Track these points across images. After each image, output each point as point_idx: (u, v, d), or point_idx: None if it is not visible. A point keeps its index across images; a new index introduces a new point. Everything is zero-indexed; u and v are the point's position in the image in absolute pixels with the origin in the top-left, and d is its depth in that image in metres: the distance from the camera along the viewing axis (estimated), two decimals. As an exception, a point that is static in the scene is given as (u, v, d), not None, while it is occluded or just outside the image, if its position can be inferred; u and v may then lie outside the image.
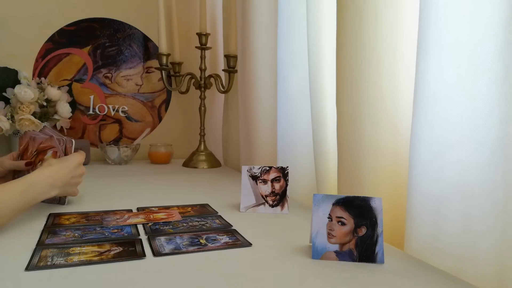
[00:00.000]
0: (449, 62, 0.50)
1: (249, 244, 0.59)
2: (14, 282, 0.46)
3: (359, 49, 0.65)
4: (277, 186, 0.78)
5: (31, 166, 0.83)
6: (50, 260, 0.51)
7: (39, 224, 0.67)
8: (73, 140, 0.82)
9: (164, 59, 1.37)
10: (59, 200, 0.82)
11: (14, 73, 1.29)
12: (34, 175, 0.69)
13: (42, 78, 1.34)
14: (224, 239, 0.61)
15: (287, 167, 0.78)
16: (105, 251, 0.55)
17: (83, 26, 1.44)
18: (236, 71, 1.31)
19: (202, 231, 0.65)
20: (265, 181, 0.78)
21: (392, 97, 0.64)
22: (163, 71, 1.40)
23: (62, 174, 0.74)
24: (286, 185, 0.78)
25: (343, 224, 0.54)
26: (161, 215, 0.73)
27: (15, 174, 0.85)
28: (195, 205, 0.82)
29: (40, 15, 1.38)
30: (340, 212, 0.54)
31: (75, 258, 0.52)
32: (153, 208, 0.78)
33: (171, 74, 1.49)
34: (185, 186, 1.06)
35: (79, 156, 0.79)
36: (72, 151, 0.81)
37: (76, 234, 0.62)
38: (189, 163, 1.39)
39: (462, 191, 0.50)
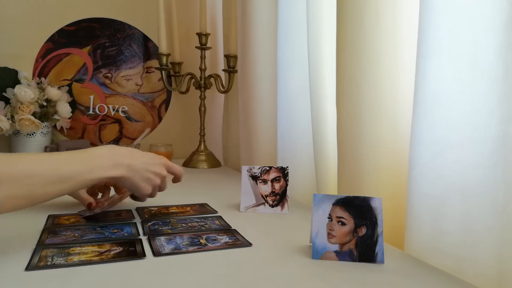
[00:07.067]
0: (449, 62, 0.50)
1: (249, 244, 0.59)
2: (14, 282, 0.46)
3: (359, 49, 0.65)
4: (277, 186, 0.78)
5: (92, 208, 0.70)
6: (50, 260, 0.51)
7: (39, 224, 0.67)
8: None
9: (164, 59, 1.37)
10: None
11: (14, 73, 1.29)
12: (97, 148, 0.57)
13: (42, 78, 1.34)
14: (224, 239, 0.61)
15: (287, 167, 0.78)
16: (105, 251, 0.55)
17: (83, 26, 1.44)
18: (236, 71, 1.31)
19: (202, 231, 0.65)
20: (265, 181, 0.78)
21: (392, 97, 0.64)
22: (163, 71, 1.40)
23: (136, 157, 0.62)
24: (286, 185, 0.78)
25: (343, 224, 0.54)
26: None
27: None
28: (195, 205, 0.82)
29: (40, 15, 1.38)
30: (340, 212, 0.54)
31: (75, 258, 0.52)
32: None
33: (171, 74, 1.49)
34: (185, 186, 1.05)
35: (165, 160, 0.67)
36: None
37: (76, 234, 0.62)
38: (189, 163, 1.39)
39: (462, 191, 0.50)
